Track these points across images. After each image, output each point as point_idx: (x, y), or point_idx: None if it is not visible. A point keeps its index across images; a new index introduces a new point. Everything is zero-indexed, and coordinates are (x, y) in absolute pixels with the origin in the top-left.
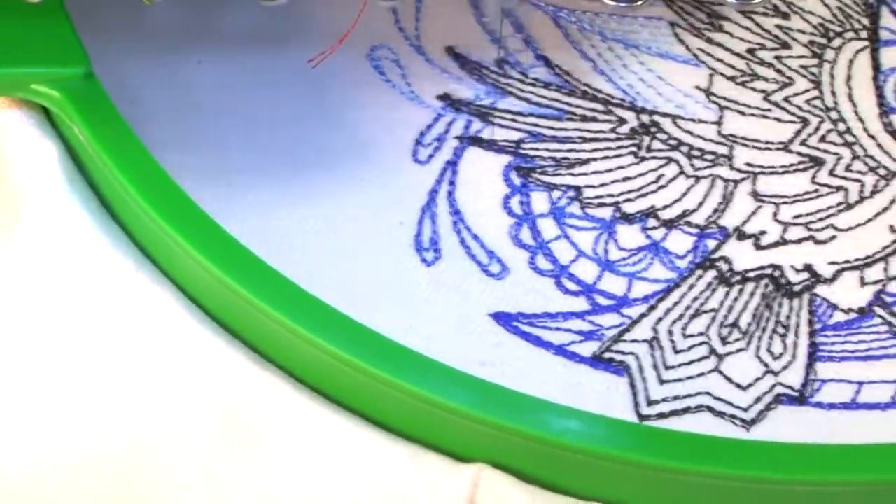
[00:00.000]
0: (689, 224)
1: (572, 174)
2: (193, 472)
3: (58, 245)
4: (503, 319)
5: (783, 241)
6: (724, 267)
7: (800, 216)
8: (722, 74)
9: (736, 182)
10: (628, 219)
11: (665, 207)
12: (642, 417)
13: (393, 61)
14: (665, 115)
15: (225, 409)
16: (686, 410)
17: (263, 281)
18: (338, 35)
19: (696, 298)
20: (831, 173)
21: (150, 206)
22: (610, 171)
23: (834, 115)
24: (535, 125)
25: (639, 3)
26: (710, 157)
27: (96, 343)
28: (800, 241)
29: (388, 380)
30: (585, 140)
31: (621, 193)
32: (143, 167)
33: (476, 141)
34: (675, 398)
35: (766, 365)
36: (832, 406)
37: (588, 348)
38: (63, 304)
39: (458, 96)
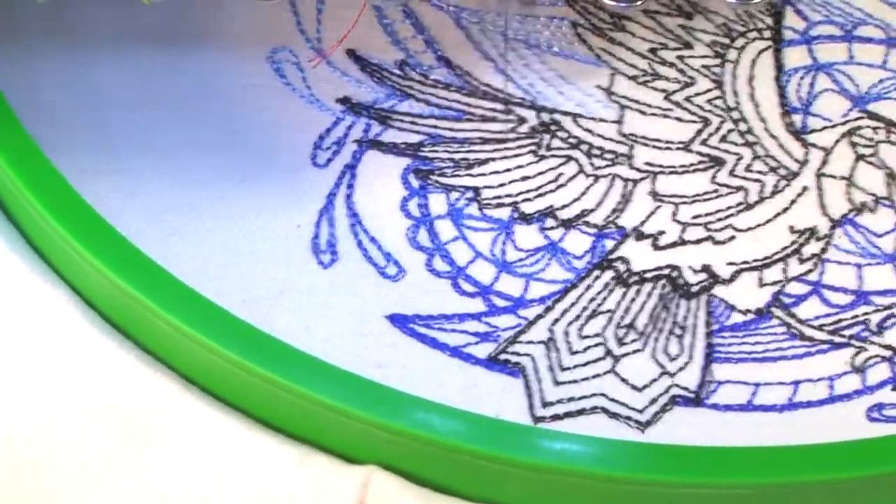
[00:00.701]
0: (587, 224)
1: (471, 175)
2: (84, 472)
3: None
4: (399, 321)
5: (682, 242)
6: (622, 267)
7: (699, 216)
8: (623, 74)
9: (635, 182)
10: (526, 219)
11: (563, 207)
12: (537, 419)
13: (293, 64)
14: (566, 113)
15: (116, 410)
16: (581, 412)
17: (154, 282)
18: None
19: (593, 299)
20: (731, 173)
21: (43, 207)
22: (509, 170)
23: (735, 114)
24: (435, 127)
25: (638, 2)
26: (609, 156)
27: None
28: (698, 241)
29: (277, 381)
30: (485, 141)
31: (519, 193)
32: (38, 168)
33: (375, 144)
34: (571, 399)
35: (662, 366)
36: (728, 408)
37: (484, 350)
38: None
39: (358, 99)
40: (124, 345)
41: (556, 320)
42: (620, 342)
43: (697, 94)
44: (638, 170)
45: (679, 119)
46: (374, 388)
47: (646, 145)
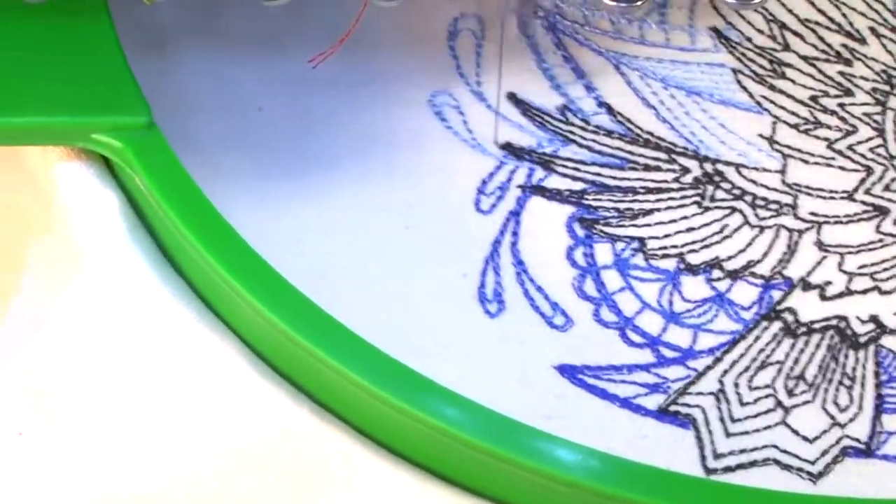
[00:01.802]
0: (753, 275)
1: (636, 225)
2: None
3: (119, 295)
4: (568, 372)
5: (848, 292)
6: (790, 318)
7: (865, 266)
8: (785, 122)
9: (800, 232)
10: (692, 270)
11: (729, 258)
12: (709, 471)
13: (453, 107)
14: (728, 163)
15: (289, 463)
16: (753, 464)
17: (327, 333)
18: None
19: (761, 350)
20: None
21: (211, 256)
22: (674, 221)
23: None
24: (598, 174)
25: (638, 2)
26: (774, 206)
27: (158, 394)
28: (865, 291)
29: (451, 433)
30: (649, 190)
31: (685, 244)
32: (205, 218)
33: (539, 190)
34: (742, 451)
35: (832, 417)
36: None
37: (654, 401)
38: (125, 355)
39: (520, 144)
40: (297, 398)
41: (726, 371)
42: (790, 393)
43: (860, 143)
44: (803, 220)
45: (842, 168)
46: (543, 437)
47: (810, 195)
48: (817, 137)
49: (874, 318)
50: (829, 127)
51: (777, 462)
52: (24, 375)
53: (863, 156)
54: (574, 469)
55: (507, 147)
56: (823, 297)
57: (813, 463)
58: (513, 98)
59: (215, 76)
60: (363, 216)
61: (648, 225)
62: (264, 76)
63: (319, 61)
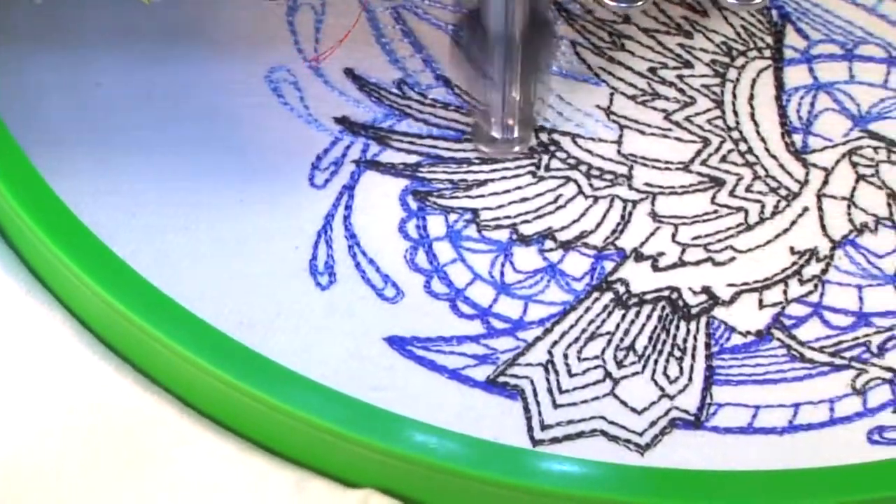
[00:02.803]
0: (586, 245)
1: (469, 196)
2: (80, 496)
3: None
4: (397, 343)
5: (681, 263)
6: (622, 289)
7: (699, 237)
8: (623, 93)
9: (635, 202)
10: (525, 241)
11: (563, 228)
12: (536, 442)
13: (291, 83)
14: (564, 133)
15: (113, 432)
16: (580, 435)
17: (152, 305)
18: (235, 54)
19: (592, 321)
20: (732, 194)
21: (39, 228)
22: (507, 191)
23: (735, 134)
24: (433, 147)
25: (639, 2)
26: (609, 176)
27: None
28: (698, 262)
29: (273, 404)
30: (483, 161)
31: (518, 215)
32: (35, 189)
33: (373, 164)
34: (570, 422)
35: (661, 389)
36: (728, 430)
37: (482, 372)
38: None
39: (356, 119)
40: (122, 368)
41: (556, 342)
42: (620, 365)
43: (697, 114)
44: (637, 190)
45: (679, 139)
46: (372, 411)
47: (645, 166)
48: (655, 109)
49: (707, 290)
50: (667, 98)
51: (604, 433)
52: None
53: (700, 127)
54: (401, 442)
55: (344, 122)
56: (656, 268)
57: (641, 434)
58: (350, 73)
59: (57, 57)
60: (197, 189)
61: (482, 196)
62: (102, 52)
63: (319, 62)
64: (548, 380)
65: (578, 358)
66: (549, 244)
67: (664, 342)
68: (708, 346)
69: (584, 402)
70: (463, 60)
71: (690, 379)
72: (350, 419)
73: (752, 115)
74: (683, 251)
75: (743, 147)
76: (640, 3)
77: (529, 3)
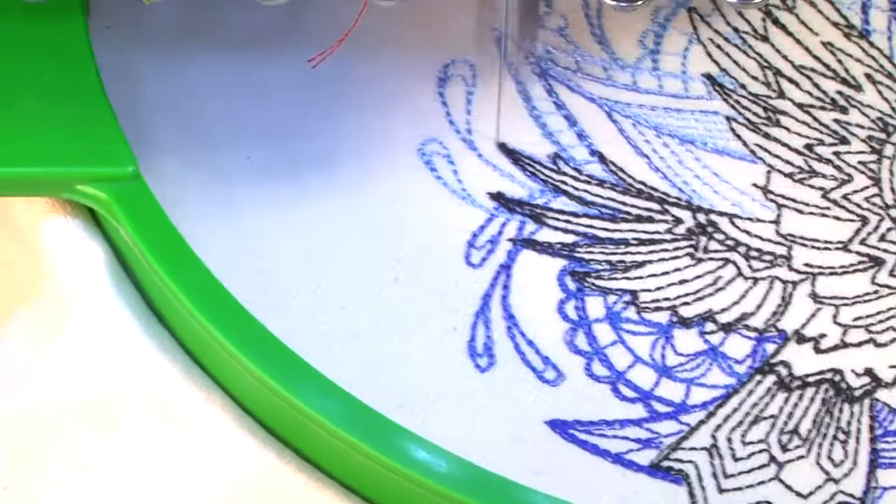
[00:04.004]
0: (747, 328)
1: (628, 278)
2: None
3: (105, 349)
4: (559, 427)
5: (843, 345)
6: (784, 371)
7: (860, 318)
8: (779, 171)
9: (795, 283)
10: (685, 323)
11: (723, 311)
12: None
13: (443, 156)
14: (722, 213)
15: None
16: None
17: (314, 389)
18: (388, 128)
19: (755, 404)
20: (891, 274)
21: (197, 310)
22: (666, 273)
23: (894, 212)
24: (590, 226)
25: (639, 3)
26: (768, 257)
27: (144, 450)
28: (860, 343)
29: (436, 489)
30: (641, 242)
31: (678, 297)
32: (192, 271)
33: (530, 243)
34: None
35: (826, 472)
36: None
37: (646, 457)
38: (110, 410)
39: (511, 195)
40: (283, 453)
41: (719, 426)
42: (784, 448)
43: (855, 192)
44: (797, 271)
45: (837, 218)
46: (535, 497)
47: (804, 246)
48: (812, 187)
49: (869, 371)
50: (824, 176)
51: None
52: (8, 430)
53: (858, 205)
54: None
55: (499, 198)
56: (818, 350)
57: None
58: (504, 147)
59: (204, 125)
60: (352, 269)
61: (640, 277)
62: (250, 126)
63: (319, 61)
64: (712, 464)
65: (742, 442)
66: (709, 326)
67: (828, 425)
68: (872, 428)
69: (750, 486)
70: None
71: (855, 462)
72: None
73: None
74: (845, 332)
75: None
76: (639, 3)
77: None
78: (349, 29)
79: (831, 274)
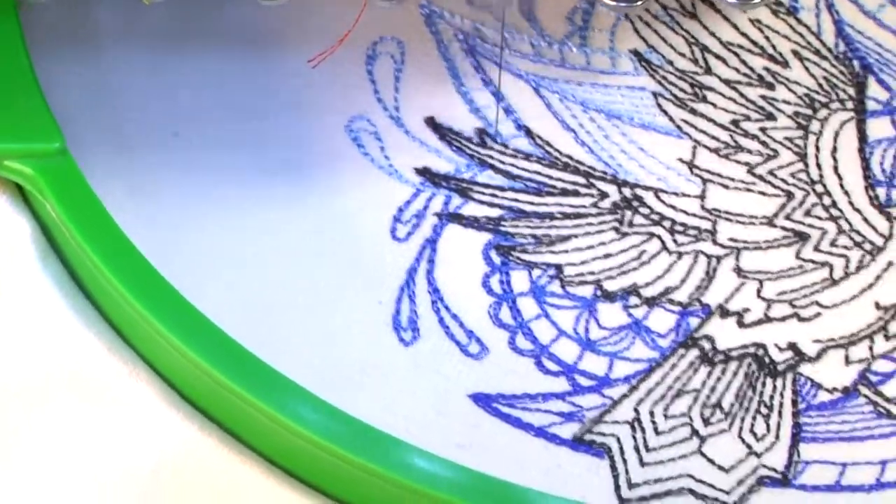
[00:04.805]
0: (671, 301)
1: (553, 252)
2: None
3: (31, 324)
4: (482, 401)
5: (767, 319)
6: (707, 345)
7: (784, 293)
8: (705, 146)
9: (719, 258)
10: (609, 297)
11: (647, 285)
12: (623, 501)
13: (371, 133)
14: (647, 188)
15: (197, 493)
16: (668, 493)
17: (238, 364)
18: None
19: (678, 378)
20: (816, 248)
21: (122, 285)
22: (591, 247)
23: (819, 188)
24: (515, 200)
25: (638, 3)
26: (693, 232)
27: (68, 424)
28: (784, 318)
29: (363, 464)
30: (566, 216)
31: (602, 271)
32: (117, 246)
33: (455, 218)
34: (657, 481)
35: (749, 446)
36: (816, 488)
37: (568, 430)
38: (36, 383)
39: (438, 170)
40: (206, 427)
41: (642, 400)
42: (706, 422)
43: (780, 167)
44: (722, 245)
45: (762, 193)
46: (458, 470)
47: (729, 220)
48: (738, 162)
49: (792, 346)
50: (749, 151)
51: (692, 492)
52: None
53: (784, 181)
54: (485, 500)
55: (425, 173)
56: (742, 325)
57: (728, 493)
58: (431, 123)
59: (133, 103)
60: (278, 244)
61: (565, 251)
62: (179, 103)
63: (319, 61)
64: (634, 438)
65: (665, 415)
66: (633, 300)
67: (751, 399)
68: (795, 402)
69: (672, 460)
70: None
71: (778, 436)
72: (437, 477)
73: (836, 168)
74: (769, 307)
75: (827, 201)
76: (639, 3)
77: None
78: (349, 30)
79: (756, 249)
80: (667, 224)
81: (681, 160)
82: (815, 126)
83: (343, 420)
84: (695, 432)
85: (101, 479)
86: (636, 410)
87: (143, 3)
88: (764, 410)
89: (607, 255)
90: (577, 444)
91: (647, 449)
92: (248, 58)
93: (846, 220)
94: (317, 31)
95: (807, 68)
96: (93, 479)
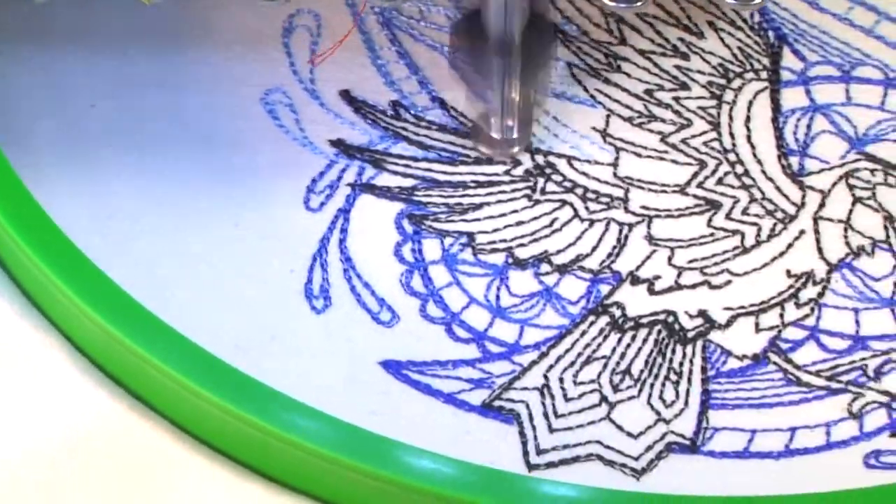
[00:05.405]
0: (582, 269)
1: (465, 220)
2: None
3: None
4: (393, 368)
5: (678, 286)
6: (618, 313)
7: (695, 260)
8: (619, 115)
9: (631, 226)
10: (521, 264)
11: (558, 252)
12: (532, 466)
13: (286, 105)
14: (560, 155)
15: (106, 458)
16: (576, 459)
17: (146, 329)
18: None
19: (588, 345)
20: (728, 217)
21: (33, 252)
22: (503, 215)
23: (732, 157)
24: (429, 170)
25: (638, 3)
26: (605, 199)
27: None
28: (694, 286)
29: (268, 429)
30: (479, 184)
31: (514, 238)
32: (29, 213)
33: (368, 188)
34: (566, 447)
35: (657, 413)
36: (724, 455)
37: (478, 396)
38: None
39: (352, 141)
40: (116, 393)
41: (551, 366)
42: (616, 388)
43: (694, 136)
44: (633, 213)
45: (675, 161)
46: (367, 437)
47: (641, 188)
48: (651, 131)
49: (703, 313)
50: (663, 120)
51: (600, 458)
52: None
53: (696, 149)
54: (395, 467)
55: (339, 145)
56: (652, 292)
57: (637, 459)
58: (346, 95)
59: (47, 73)
60: (192, 213)
61: (478, 219)
62: (97, 74)
63: (319, 62)
64: (543, 404)
65: (574, 382)
66: (544, 268)
67: (660, 366)
68: (704, 369)
69: (580, 426)
70: (462, 62)
71: (686, 403)
72: (345, 444)
73: (749, 138)
74: (679, 274)
75: (739, 169)
76: (639, 4)
77: (529, 3)
78: (349, 30)
79: (668, 217)
80: (579, 192)
81: (594, 128)
82: (728, 96)
83: (252, 386)
84: (604, 399)
85: (9, 446)
86: (545, 377)
87: (144, 1)
88: (673, 377)
89: (519, 223)
90: (487, 410)
91: (556, 415)
92: (163, 32)
93: (758, 188)
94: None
95: (721, 39)
96: (1, 447)
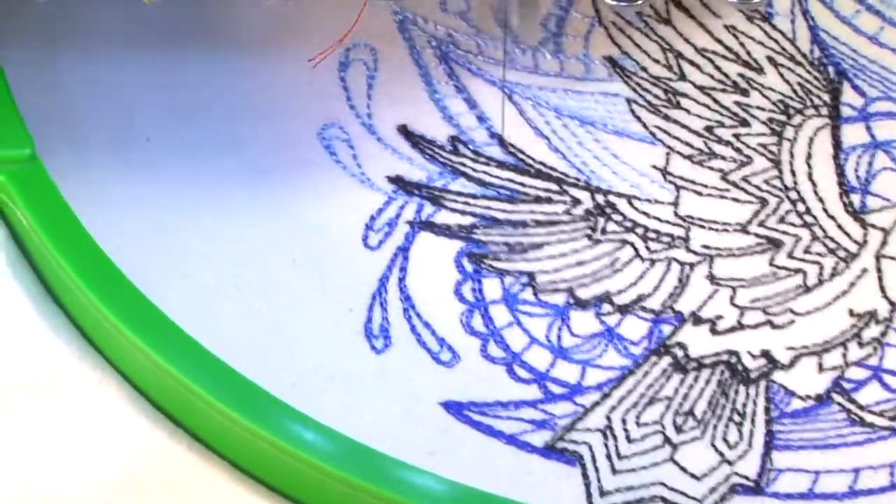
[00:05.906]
0: (644, 309)
1: (525, 259)
2: None
3: (0, 331)
4: (453, 408)
5: (740, 326)
6: (680, 353)
7: (757, 300)
8: (679, 153)
9: (692, 265)
10: (582, 304)
11: (620, 292)
12: None
13: (344, 141)
14: (620, 195)
15: (166, 500)
16: (639, 501)
17: (207, 370)
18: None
19: (650, 386)
20: (790, 255)
21: (92, 293)
22: (564, 255)
23: (793, 194)
24: (488, 208)
25: (639, 2)
26: (666, 239)
27: (38, 432)
28: (757, 325)
29: (327, 470)
30: (539, 223)
31: (575, 278)
32: (87, 253)
33: (427, 226)
34: (629, 489)
35: (721, 454)
36: (789, 496)
37: (540, 438)
38: (4, 391)
39: (410, 178)
40: (175, 434)
41: (614, 408)
42: (679, 430)
43: (754, 174)
44: (695, 253)
45: (736, 200)
46: (427, 477)
47: (702, 227)
48: (711, 169)
49: (766, 353)
50: (723, 158)
51: (664, 500)
52: None
53: (757, 187)
54: None
55: (397, 181)
56: (714, 332)
57: (701, 501)
58: (403, 130)
59: (104, 106)
60: (249, 250)
61: (538, 259)
62: (152, 106)
63: (319, 61)
64: (606, 445)
65: (637, 423)
66: (606, 308)
67: (723, 407)
68: (768, 410)
69: (644, 468)
70: None
71: (750, 444)
72: (407, 486)
73: (810, 175)
74: (742, 314)
75: (801, 207)
76: (639, 3)
77: None
78: (348, 30)
79: (729, 256)
80: (640, 231)
81: (654, 167)
82: (789, 132)
83: (314, 428)
84: (667, 440)
85: (68, 486)
86: (608, 418)
87: (143, 2)
88: (737, 418)
89: (580, 263)
90: (549, 451)
91: (619, 457)
92: (223, 63)
93: (820, 226)
94: (297, 37)
95: (781, 74)
96: (60, 487)
